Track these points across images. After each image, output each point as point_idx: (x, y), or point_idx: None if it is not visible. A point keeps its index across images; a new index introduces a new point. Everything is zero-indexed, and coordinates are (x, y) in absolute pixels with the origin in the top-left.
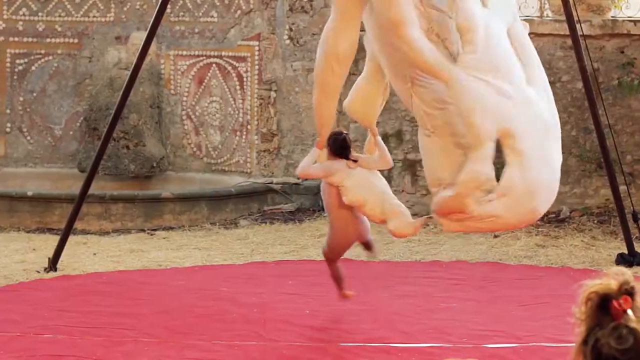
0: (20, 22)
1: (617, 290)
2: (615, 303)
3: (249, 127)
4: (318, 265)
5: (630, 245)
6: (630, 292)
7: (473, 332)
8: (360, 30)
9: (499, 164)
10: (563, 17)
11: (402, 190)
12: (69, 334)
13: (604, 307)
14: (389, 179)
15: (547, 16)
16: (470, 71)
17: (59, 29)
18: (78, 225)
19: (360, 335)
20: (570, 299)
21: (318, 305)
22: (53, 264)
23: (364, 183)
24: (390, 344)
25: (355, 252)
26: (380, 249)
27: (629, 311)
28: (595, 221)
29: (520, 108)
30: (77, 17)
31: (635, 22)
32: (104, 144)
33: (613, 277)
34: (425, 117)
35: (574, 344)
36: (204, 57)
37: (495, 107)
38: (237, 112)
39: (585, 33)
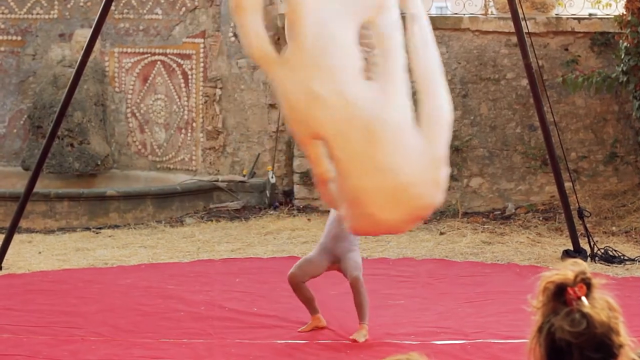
0: None
1: (573, 280)
2: (570, 290)
3: (194, 124)
4: (264, 263)
5: (575, 242)
6: (586, 282)
7: (421, 329)
8: None
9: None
10: (508, 15)
11: None
12: (15, 332)
13: (560, 295)
14: None
15: (492, 14)
16: (288, 68)
17: (2, 26)
18: (23, 223)
19: (308, 332)
20: (516, 295)
21: (265, 302)
22: None
23: None
24: (338, 341)
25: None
26: None
27: (583, 298)
28: (541, 218)
29: (336, 112)
30: (20, 14)
31: (579, 19)
32: (48, 142)
33: (570, 268)
34: None
35: (525, 339)
36: (149, 55)
37: (305, 112)
38: (182, 109)
39: (530, 30)
